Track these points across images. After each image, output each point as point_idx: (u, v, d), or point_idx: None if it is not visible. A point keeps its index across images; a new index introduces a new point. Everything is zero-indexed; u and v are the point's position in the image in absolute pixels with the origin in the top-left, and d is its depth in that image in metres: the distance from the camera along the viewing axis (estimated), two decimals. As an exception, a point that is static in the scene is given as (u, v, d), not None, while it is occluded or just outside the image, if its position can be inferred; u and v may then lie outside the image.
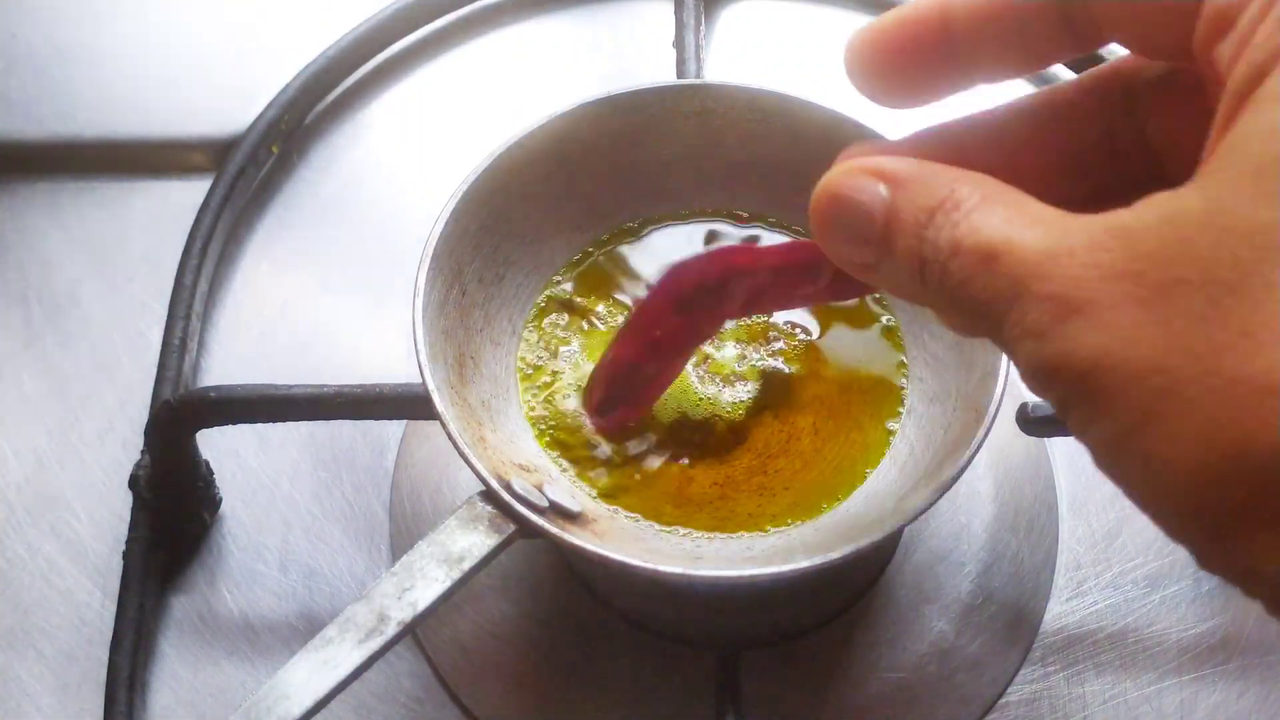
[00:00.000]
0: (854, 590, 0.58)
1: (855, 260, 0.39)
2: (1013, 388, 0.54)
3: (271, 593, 0.59)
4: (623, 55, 0.75)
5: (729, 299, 0.53)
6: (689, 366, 0.56)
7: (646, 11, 0.75)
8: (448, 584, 0.47)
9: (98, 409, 0.63)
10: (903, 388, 0.56)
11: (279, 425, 0.59)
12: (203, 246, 0.65)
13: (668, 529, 0.53)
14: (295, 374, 0.64)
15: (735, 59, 0.74)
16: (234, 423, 0.57)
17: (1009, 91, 0.42)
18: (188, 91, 0.73)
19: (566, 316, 0.58)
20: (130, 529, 0.59)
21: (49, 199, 0.70)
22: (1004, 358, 0.51)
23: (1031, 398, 0.57)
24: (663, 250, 0.59)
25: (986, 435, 0.49)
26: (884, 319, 0.57)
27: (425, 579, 0.47)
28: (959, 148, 0.41)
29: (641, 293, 0.58)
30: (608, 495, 0.54)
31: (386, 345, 0.65)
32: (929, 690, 0.57)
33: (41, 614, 0.59)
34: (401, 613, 0.46)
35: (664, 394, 0.55)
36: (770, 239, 0.59)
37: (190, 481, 0.59)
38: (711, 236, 0.59)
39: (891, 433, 0.55)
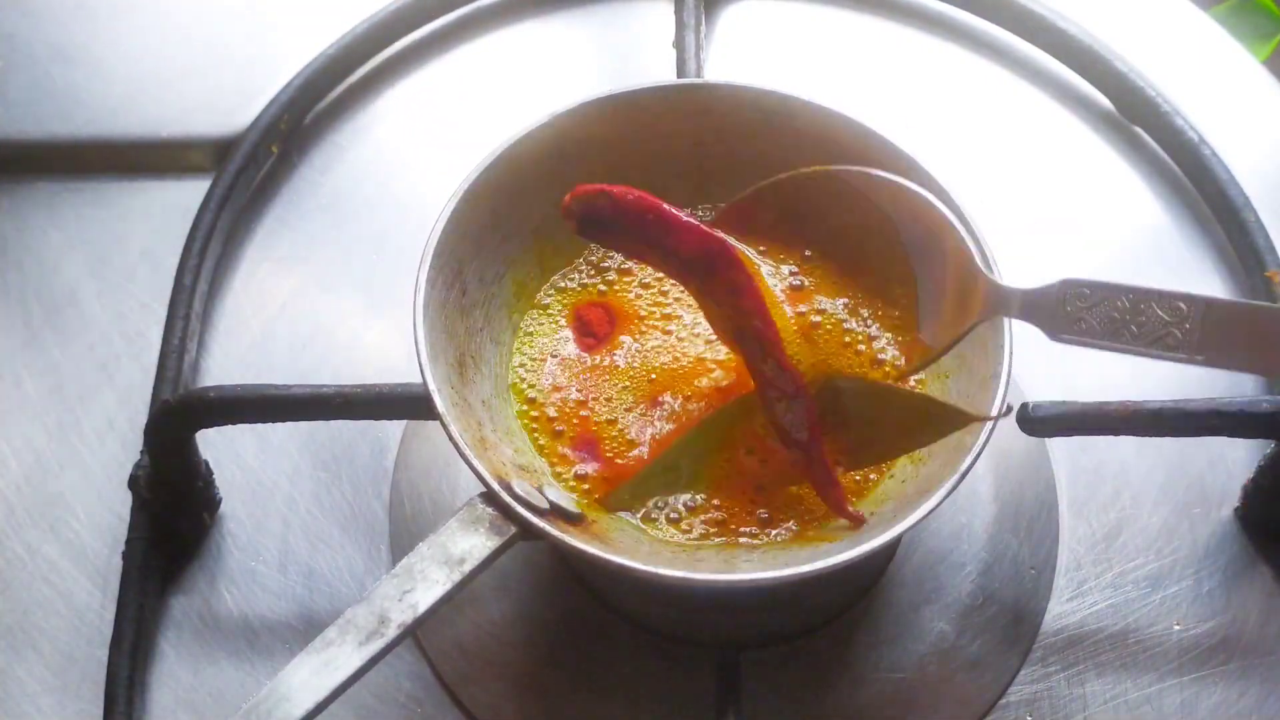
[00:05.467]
0: (854, 591, 0.58)
1: None
2: (1013, 388, 0.54)
3: (271, 593, 0.59)
4: (623, 55, 0.75)
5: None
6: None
7: (646, 11, 0.75)
8: (448, 586, 0.46)
9: (98, 409, 0.63)
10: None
11: (279, 425, 0.59)
12: (202, 246, 0.65)
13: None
14: (295, 374, 0.64)
15: (735, 59, 0.74)
16: (234, 423, 0.57)
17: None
18: (188, 91, 0.73)
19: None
20: (130, 529, 0.59)
21: (49, 199, 0.70)
22: (1005, 361, 0.51)
23: (1033, 397, 0.57)
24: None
25: (989, 439, 0.49)
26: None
27: (426, 581, 0.47)
28: None
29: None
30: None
31: (386, 345, 0.65)
32: (929, 690, 0.57)
33: (41, 614, 0.59)
34: (402, 615, 0.46)
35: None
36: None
37: (190, 481, 0.59)
38: None
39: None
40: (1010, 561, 0.59)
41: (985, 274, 0.51)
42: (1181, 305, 0.45)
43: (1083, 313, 0.48)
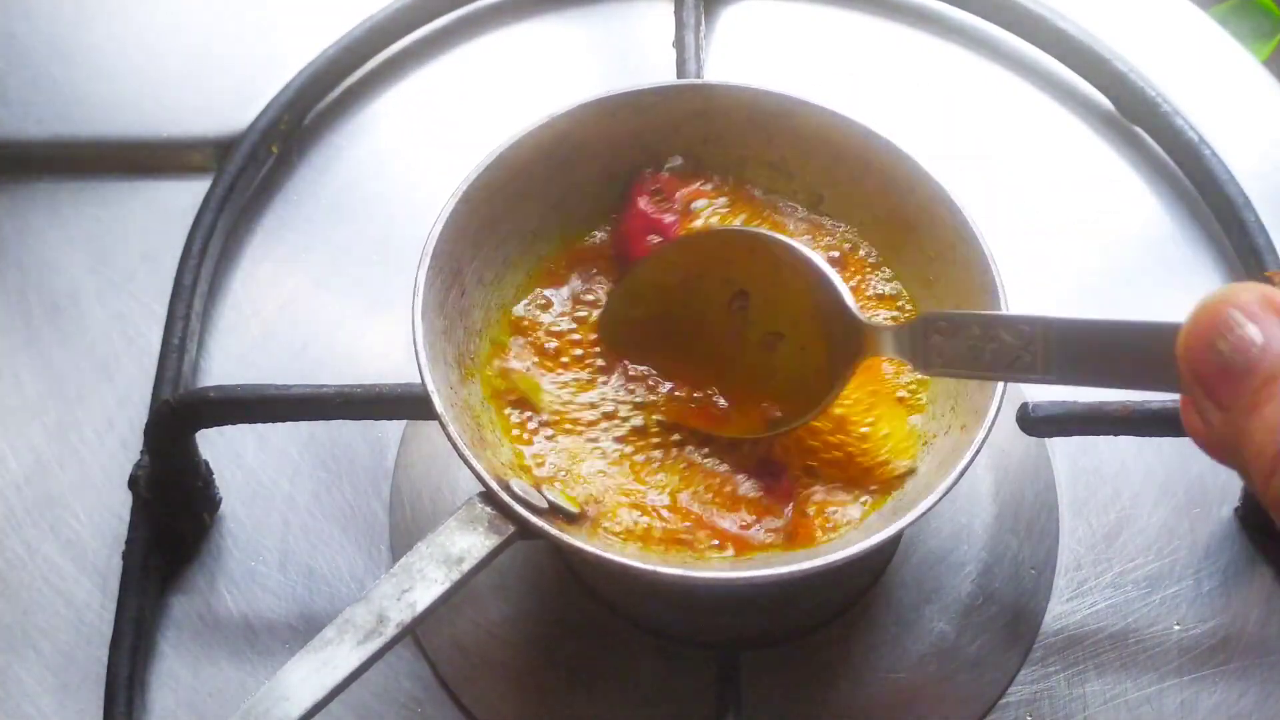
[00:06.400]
0: (854, 590, 0.58)
1: (1205, 390, 0.37)
2: (1013, 388, 0.54)
3: (271, 593, 0.59)
4: (623, 55, 0.75)
5: None
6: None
7: (646, 11, 0.75)
8: (447, 585, 0.46)
9: (98, 409, 0.63)
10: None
11: (279, 425, 0.59)
12: (202, 246, 0.65)
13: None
14: (295, 374, 0.64)
15: (735, 59, 0.74)
16: (234, 423, 0.57)
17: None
18: (188, 91, 0.73)
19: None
20: (130, 529, 0.59)
21: (49, 199, 0.70)
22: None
23: (1032, 397, 0.57)
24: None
25: (987, 437, 0.49)
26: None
27: (424, 580, 0.47)
28: None
29: None
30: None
31: (386, 345, 0.65)
32: (929, 690, 0.57)
33: (41, 614, 0.59)
34: (401, 614, 0.46)
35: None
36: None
37: (190, 481, 0.59)
38: None
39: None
40: (1010, 561, 0.59)
41: (855, 314, 0.52)
42: (1024, 328, 0.46)
43: (943, 345, 0.49)
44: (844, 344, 0.52)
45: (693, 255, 0.56)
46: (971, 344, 0.48)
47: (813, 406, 0.53)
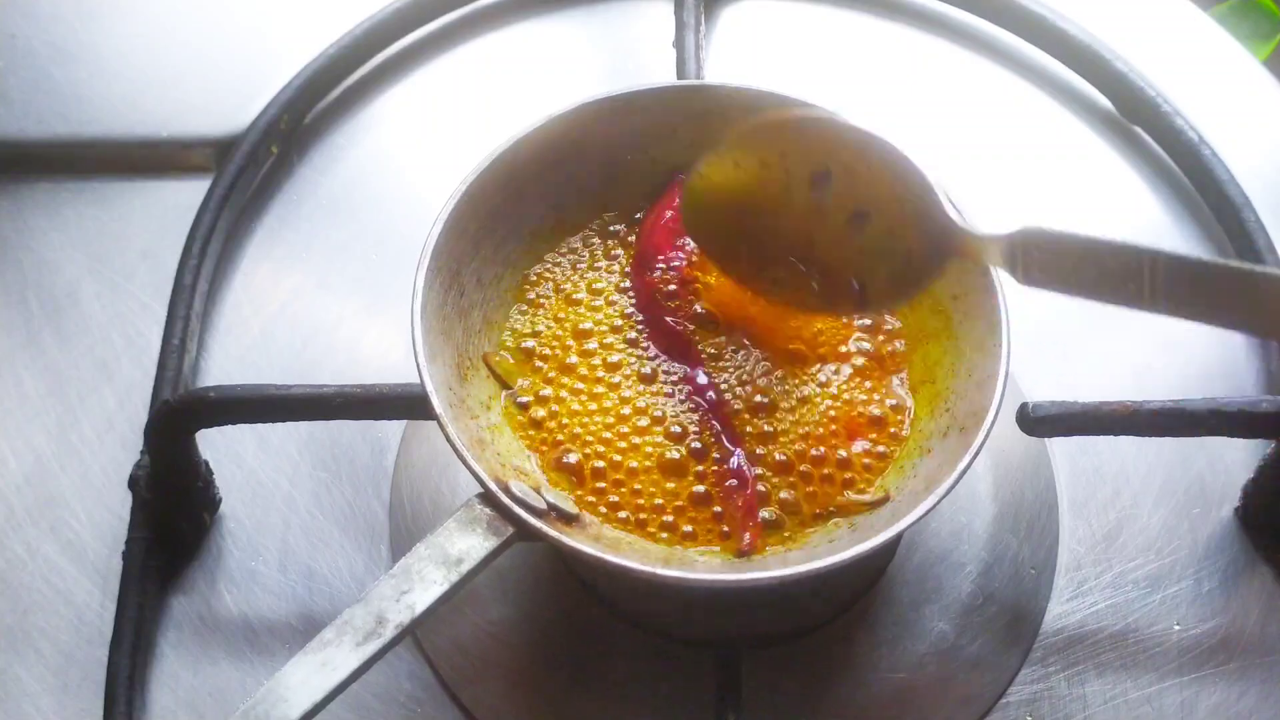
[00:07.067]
0: (854, 590, 0.58)
1: None
2: (1013, 385, 0.54)
3: (271, 593, 0.59)
4: (623, 55, 0.75)
5: None
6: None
7: (646, 11, 0.75)
8: (446, 586, 0.47)
9: (98, 409, 0.63)
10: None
11: (279, 425, 0.59)
12: (202, 246, 0.65)
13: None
14: (295, 374, 0.64)
15: (735, 59, 0.74)
16: (234, 423, 0.57)
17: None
18: (188, 91, 0.73)
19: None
20: (130, 529, 0.59)
21: (49, 199, 0.70)
22: (1003, 361, 0.51)
23: (1032, 398, 0.57)
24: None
25: (986, 439, 0.49)
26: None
27: (423, 581, 0.47)
28: None
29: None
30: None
31: (386, 345, 0.65)
32: (929, 690, 0.57)
33: (41, 614, 0.59)
34: (399, 615, 0.46)
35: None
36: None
37: (190, 481, 0.59)
38: None
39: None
40: (1010, 561, 0.59)
41: (952, 219, 0.51)
42: (1129, 259, 0.45)
43: (1044, 261, 0.47)
44: (936, 239, 0.51)
45: (769, 139, 0.54)
46: (1074, 263, 0.46)
47: (901, 295, 0.52)
